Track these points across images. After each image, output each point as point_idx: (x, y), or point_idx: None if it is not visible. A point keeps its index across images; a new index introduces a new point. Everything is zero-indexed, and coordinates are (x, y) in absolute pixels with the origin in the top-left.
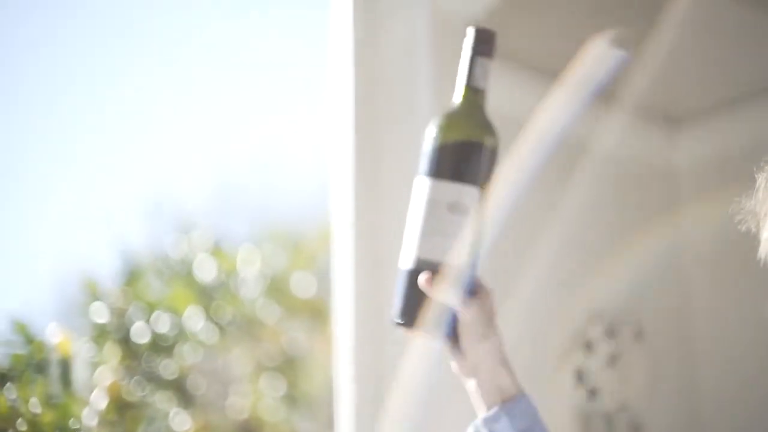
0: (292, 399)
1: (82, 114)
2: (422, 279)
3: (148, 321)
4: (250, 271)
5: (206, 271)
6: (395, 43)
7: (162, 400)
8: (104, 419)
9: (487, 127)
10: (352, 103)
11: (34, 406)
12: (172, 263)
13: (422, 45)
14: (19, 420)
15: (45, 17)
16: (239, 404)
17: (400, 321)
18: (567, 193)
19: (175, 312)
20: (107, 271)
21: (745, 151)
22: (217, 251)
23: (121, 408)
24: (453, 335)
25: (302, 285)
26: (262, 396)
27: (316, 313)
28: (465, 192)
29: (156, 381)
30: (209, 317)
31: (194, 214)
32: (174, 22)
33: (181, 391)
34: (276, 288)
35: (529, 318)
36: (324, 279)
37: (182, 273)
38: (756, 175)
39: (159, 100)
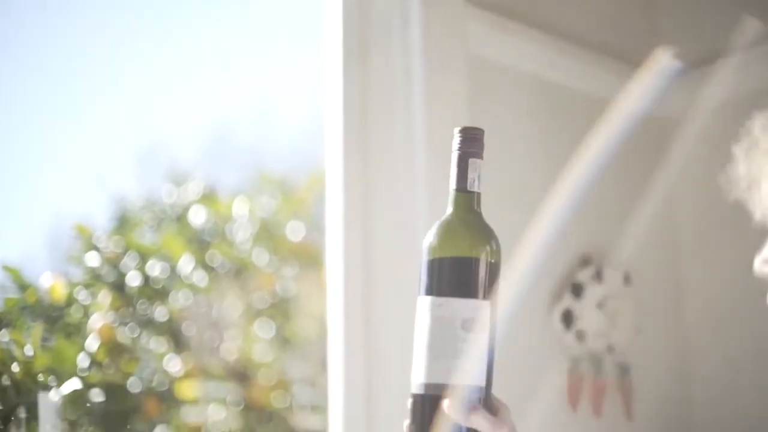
0: (283, 342)
1: (74, 64)
2: (445, 405)
3: (141, 267)
4: (243, 216)
5: (199, 217)
6: None
7: (155, 344)
8: (96, 362)
9: (489, 236)
10: (342, 53)
11: (28, 349)
12: (165, 210)
13: None
14: (13, 363)
15: None
16: (231, 347)
17: None
18: (559, 138)
19: (168, 258)
20: (100, 218)
21: (738, 103)
22: (209, 198)
23: (113, 351)
24: None
25: (294, 230)
26: (254, 339)
27: (308, 257)
28: (478, 307)
29: (149, 325)
30: (202, 263)
31: (187, 161)
32: None
33: (173, 335)
34: (268, 233)
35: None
36: (316, 224)
37: (175, 219)
38: (734, 148)
39: (152, 48)
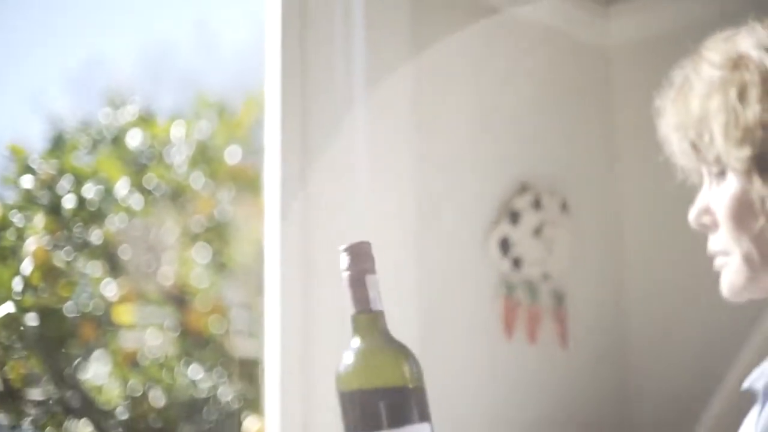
0: (220, 266)
1: None
2: None
3: (76, 190)
4: (180, 140)
5: (136, 140)
6: None
7: (91, 268)
8: (31, 285)
9: (408, 355)
10: None
11: None
12: (101, 131)
13: None
14: None
15: None
16: (168, 272)
17: None
18: (497, 62)
19: (104, 181)
20: (35, 140)
21: (679, 32)
22: (146, 120)
23: (49, 275)
24: None
25: (232, 154)
26: (191, 264)
27: (246, 181)
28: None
29: (85, 249)
30: (138, 186)
31: (124, 83)
32: None
33: (110, 258)
34: (206, 157)
35: (457, 188)
36: (254, 147)
37: (111, 142)
38: (658, 101)
39: None
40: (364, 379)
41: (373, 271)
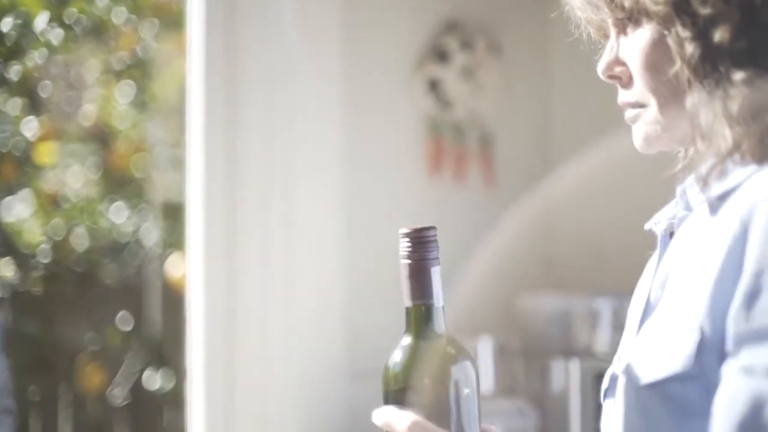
0: (143, 104)
1: None
2: None
3: None
4: None
5: None
6: None
7: (11, 106)
8: None
9: (465, 358)
10: None
11: None
12: None
13: None
14: None
15: None
16: (89, 110)
17: None
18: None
19: (23, 14)
20: None
21: None
22: None
23: None
24: None
25: None
26: (113, 101)
27: (170, 16)
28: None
29: (4, 85)
30: (59, 20)
31: None
32: None
33: (30, 95)
34: None
35: (382, 24)
36: None
37: None
38: None
39: None
40: (421, 381)
41: (438, 261)
